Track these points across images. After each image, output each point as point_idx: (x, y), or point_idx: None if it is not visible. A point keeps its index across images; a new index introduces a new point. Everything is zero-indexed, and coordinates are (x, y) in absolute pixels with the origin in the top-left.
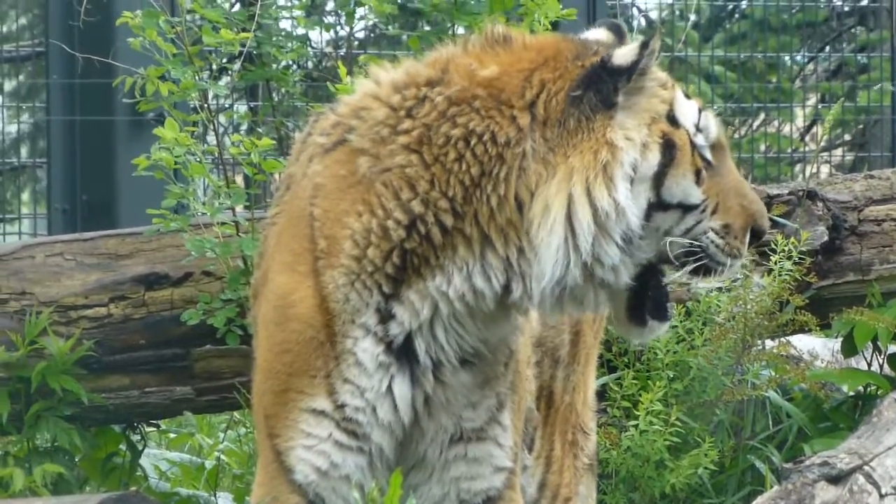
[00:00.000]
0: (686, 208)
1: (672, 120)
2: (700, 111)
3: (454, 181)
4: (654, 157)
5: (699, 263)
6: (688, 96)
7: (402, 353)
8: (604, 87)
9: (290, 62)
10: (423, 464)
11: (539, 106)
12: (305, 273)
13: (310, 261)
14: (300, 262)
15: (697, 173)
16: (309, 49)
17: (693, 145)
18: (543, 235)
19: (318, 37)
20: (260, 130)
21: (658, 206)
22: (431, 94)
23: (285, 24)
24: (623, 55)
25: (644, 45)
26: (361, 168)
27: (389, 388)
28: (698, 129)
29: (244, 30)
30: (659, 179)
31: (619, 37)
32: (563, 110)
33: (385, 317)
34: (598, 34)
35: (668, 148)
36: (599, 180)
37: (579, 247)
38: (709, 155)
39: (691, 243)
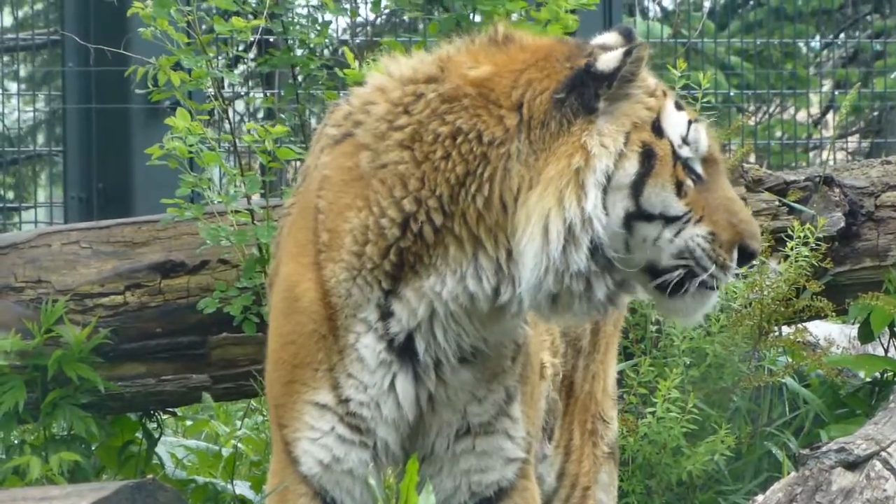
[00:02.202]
0: (668, 219)
1: (656, 129)
2: (690, 123)
3: (441, 179)
4: (631, 166)
5: (688, 267)
6: (680, 107)
7: (404, 351)
8: (586, 91)
9: (314, 47)
10: (433, 457)
11: (525, 107)
12: (308, 265)
13: (312, 253)
14: (304, 254)
15: (679, 185)
16: (330, 34)
17: (677, 157)
18: (525, 243)
19: (335, 24)
20: (283, 116)
21: (639, 215)
22: (427, 90)
23: (302, 11)
24: (606, 61)
25: (627, 53)
26: (362, 163)
27: (392, 385)
28: (685, 142)
29: (257, 17)
30: (637, 188)
31: (629, 41)
32: (547, 112)
33: (385, 314)
34: (608, 38)
35: (648, 157)
36: (571, 188)
37: (551, 255)
38: (699, 168)
39: (680, 249)
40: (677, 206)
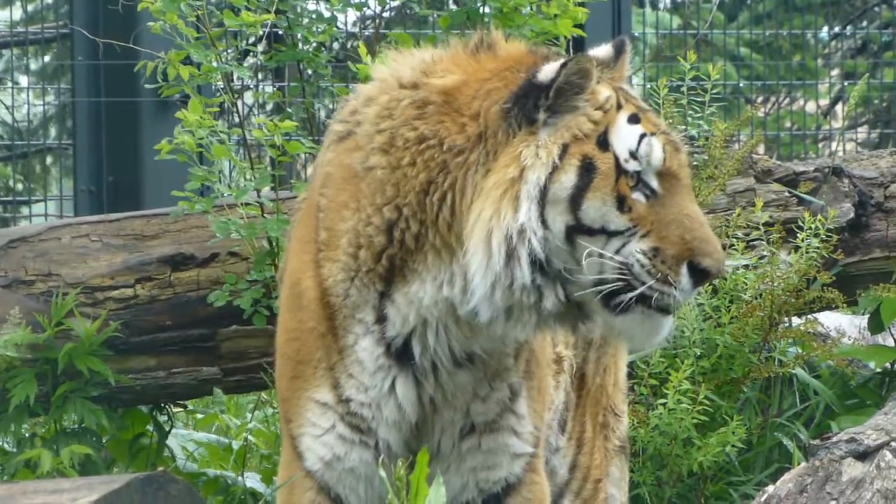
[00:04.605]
0: (610, 234)
1: (601, 143)
2: (643, 137)
3: (409, 187)
4: (567, 179)
5: (624, 280)
6: (636, 119)
7: (402, 355)
8: (528, 102)
9: (320, 43)
10: (440, 456)
11: (482, 116)
12: (309, 262)
13: (313, 251)
14: (306, 251)
15: (621, 199)
16: (336, 29)
17: (621, 171)
18: (471, 254)
19: (344, 16)
20: (289, 110)
21: (579, 229)
22: (405, 96)
23: (309, 6)
24: (546, 72)
25: (564, 64)
26: (355, 163)
27: (392, 387)
28: (633, 156)
29: (267, 11)
30: (575, 202)
31: (619, 53)
32: (497, 122)
33: (380, 317)
34: (601, 50)
35: (587, 171)
36: (507, 199)
37: (493, 266)
38: (653, 182)
39: (620, 263)
40: (618, 221)
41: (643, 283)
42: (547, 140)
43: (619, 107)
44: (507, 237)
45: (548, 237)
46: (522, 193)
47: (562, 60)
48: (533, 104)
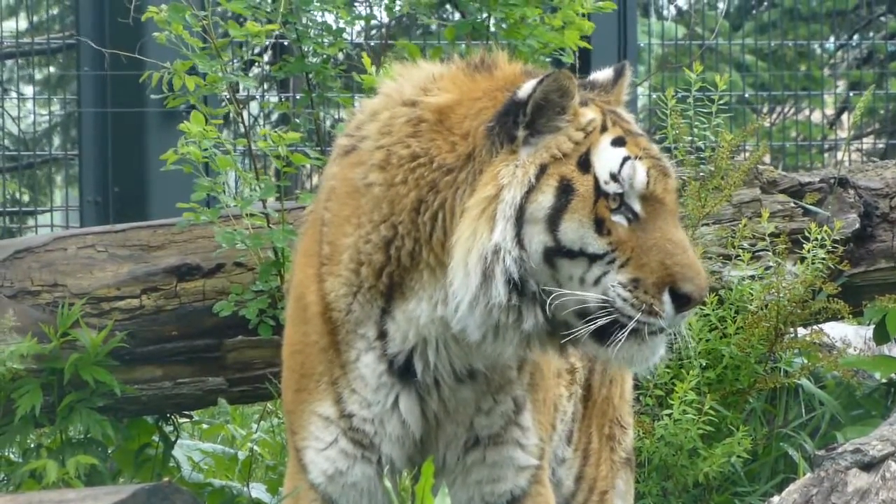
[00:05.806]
0: (591, 258)
1: (582, 164)
2: (626, 160)
3: (402, 206)
4: (545, 199)
5: (611, 318)
6: (621, 142)
7: (405, 371)
8: (508, 119)
9: (330, 56)
10: (445, 470)
11: (471, 136)
12: (312, 276)
13: (316, 264)
14: (310, 265)
15: (599, 222)
16: (344, 40)
17: (601, 193)
18: (453, 273)
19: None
20: (297, 121)
21: (558, 251)
22: (402, 113)
23: (316, 16)
24: (525, 88)
25: (540, 81)
26: (357, 179)
27: (395, 404)
28: (614, 178)
29: (272, 21)
30: (553, 223)
31: (618, 77)
32: (483, 141)
33: (382, 333)
34: (600, 74)
35: (565, 192)
36: (484, 218)
37: (470, 285)
38: (636, 206)
39: (602, 298)
40: (596, 244)
41: (629, 318)
42: (526, 160)
43: (605, 129)
44: (483, 256)
45: (523, 257)
46: (498, 212)
47: (536, 79)
48: (513, 121)
